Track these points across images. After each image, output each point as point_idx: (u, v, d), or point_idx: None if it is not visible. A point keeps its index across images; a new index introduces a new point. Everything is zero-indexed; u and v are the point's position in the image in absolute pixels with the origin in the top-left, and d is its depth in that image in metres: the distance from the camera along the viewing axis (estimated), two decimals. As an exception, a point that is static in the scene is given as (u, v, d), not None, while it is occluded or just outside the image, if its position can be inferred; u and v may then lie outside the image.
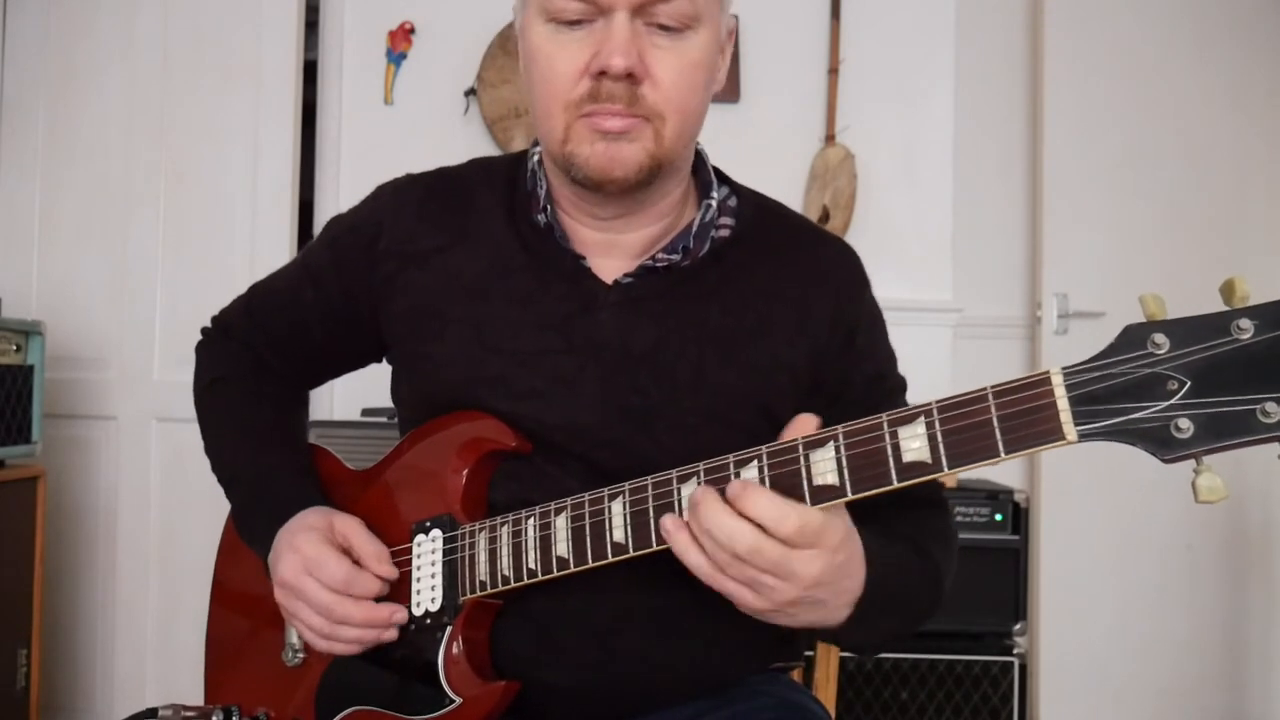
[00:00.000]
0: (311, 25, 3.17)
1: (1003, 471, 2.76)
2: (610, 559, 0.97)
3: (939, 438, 0.81)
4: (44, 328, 2.62)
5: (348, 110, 3.13)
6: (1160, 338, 0.74)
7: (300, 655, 1.17)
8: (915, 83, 3.09)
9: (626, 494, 0.96)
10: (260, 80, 2.99)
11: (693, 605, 1.09)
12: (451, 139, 3.05)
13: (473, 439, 1.10)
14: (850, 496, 0.85)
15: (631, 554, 0.96)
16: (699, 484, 0.92)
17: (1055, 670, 3.04)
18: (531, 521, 1.03)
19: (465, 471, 1.09)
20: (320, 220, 3.09)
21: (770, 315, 1.13)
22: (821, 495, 0.86)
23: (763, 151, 2.98)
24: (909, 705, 2.46)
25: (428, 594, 1.08)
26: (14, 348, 2.52)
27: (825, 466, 0.86)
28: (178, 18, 3.02)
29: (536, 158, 1.15)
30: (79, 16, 3.05)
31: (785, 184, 3.01)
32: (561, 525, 1.00)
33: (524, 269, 1.13)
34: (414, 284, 1.16)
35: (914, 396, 1.18)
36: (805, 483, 0.87)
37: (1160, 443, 0.74)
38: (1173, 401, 0.73)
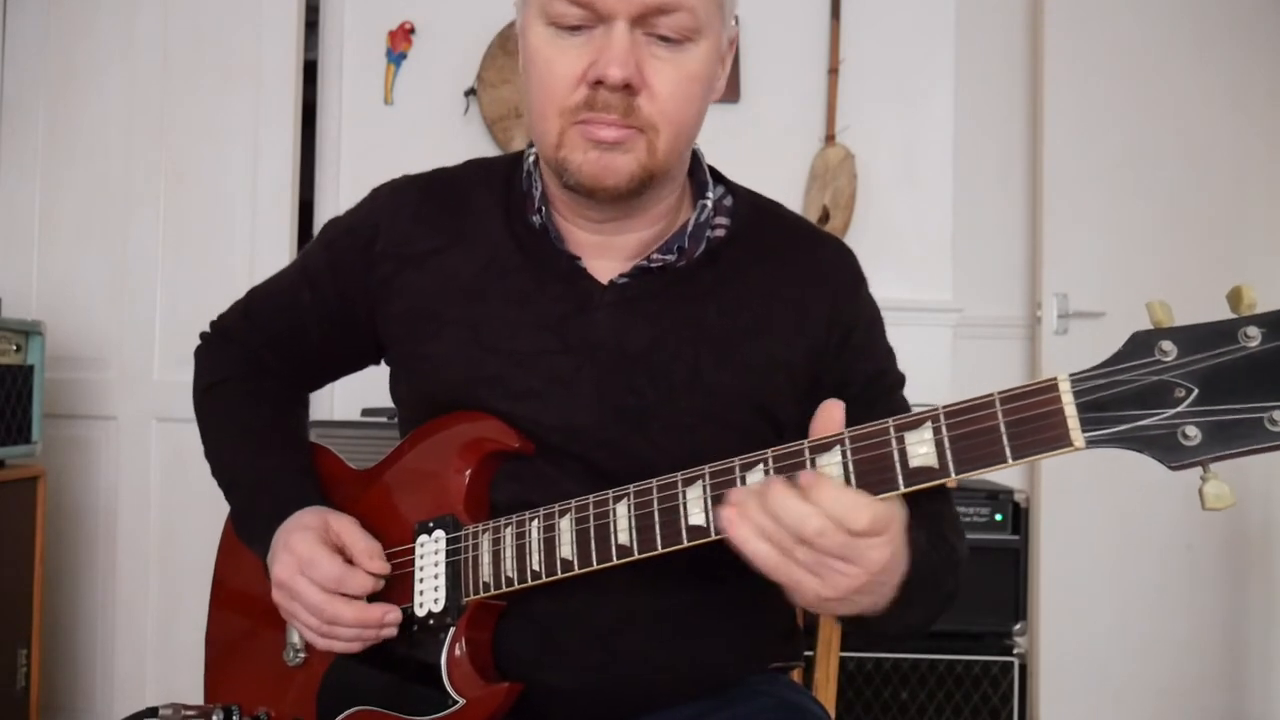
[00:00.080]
0: (311, 25, 3.16)
1: (1003, 472, 2.76)
2: (615, 561, 0.97)
3: (946, 443, 0.81)
4: (44, 328, 2.62)
5: (348, 110, 3.13)
6: (1168, 345, 0.74)
7: (301, 655, 1.17)
8: (915, 83, 3.09)
9: (631, 496, 0.96)
10: (260, 80, 2.99)
11: (694, 606, 1.10)
12: (451, 139, 3.05)
13: (475, 439, 1.10)
14: None
15: (636, 556, 0.96)
16: (705, 487, 0.92)
17: (1055, 670, 3.04)
18: (535, 523, 1.03)
19: (468, 472, 1.09)
20: (320, 220, 3.09)
21: (767, 315, 1.13)
22: None
23: (763, 151, 2.98)
24: (909, 705, 2.46)
25: (430, 595, 1.08)
26: (14, 348, 2.52)
27: (832, 471, 0.85)
28: (178, 18, 3.02)
29: (532, 158, 1.15)
30: (79, 16, 3.05)
31: (785, 184, 3.01)
32: (566, 527, 1.00)
33: (520, 269, 1.13)
34: (411, 285, 1.16)
35: (914, 397, 1.19)
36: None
37: (1168, 450, 0.74)
38: (1180, 409, 0.73)
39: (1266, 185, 3.12)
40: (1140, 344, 0.75)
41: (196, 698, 1.25)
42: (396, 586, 1.11)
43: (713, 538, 0.91)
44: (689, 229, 1.12)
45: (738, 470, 0.90)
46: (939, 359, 3.01)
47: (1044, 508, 3.03)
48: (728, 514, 0.85)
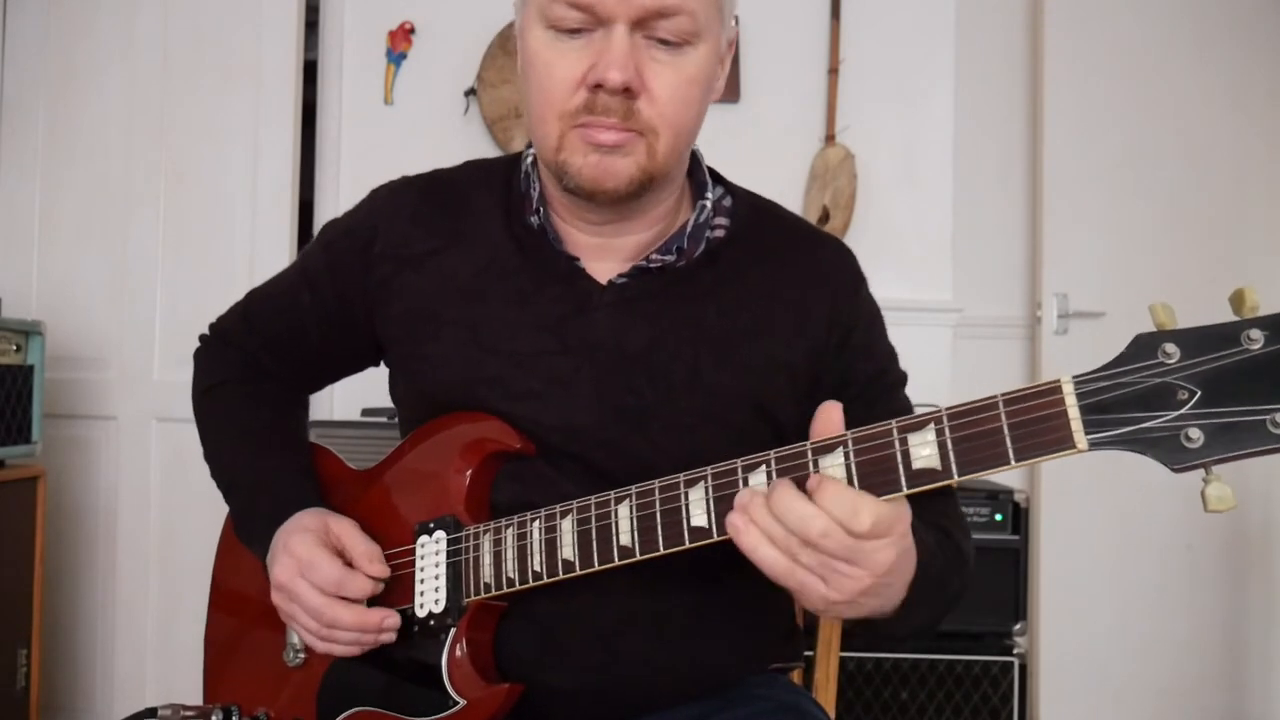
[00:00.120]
0: (311, 25, 3.16)
1: (1004, 471, 2.76)
2: (617, 562, 0.97)
3: (949, 445, 0.81)
4: (44, 328, 2.62)
5: (348, 110, 3.13)
6: (1171, 347, 0.74)
7: (301, 655, 1.17)
8: (915, 83, 3.09)
9: (633, 498, 0.96)
10: (260, 80, 2.99)
11: (695, 608, 1.10)
12: (451, 139, 3.05)
13: (477, 440, 1.10)
14: None
15: (638, 557, 0.96)
16: (707, 488, 0.92)
17: (1055, 670, 3.04)
18: (537, 524, 1.03)
19: (469, 473, 1.09)
20: (320, 220, 3.09)
21: (767, 315, 1.13)
22: None
23: (763, 151, 2.98)
24: (909, 705, 2.46)
25: (431, 595, 1.08)
26: (14, 348, 2.52)
27: (835, 473, 0.85)
28: (178, 18, 3.01)
29: (530, 160, 1.15)
30: (79, 16, 3.04)
31: (785, 184, 3.01)
32: (567, 528, 1.00)
33: (519, 270, 1.14)
34: (409, 287, 1.16)
35: (914, 397, 1.19)
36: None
37: (1170, 452, 0.74)
38: (1183, 411, 0.73)
39: (1266, 185, 3.12)
40: (1143, 346, 0.75)
41: (196, 698, 1.26)
42: (397, 587, 1.11)
43: (715, 539, 0.91)
44: (688, 229, 1.12)
45: (740, 472, 0.90)
46: (939, 359, 3.01)
47: (1044, 508, 3.03)
48: (736, 522, 0.85)
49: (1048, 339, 3.07)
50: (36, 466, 2.60)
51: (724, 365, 1.10)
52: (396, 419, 1.28)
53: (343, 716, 1.12)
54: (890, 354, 1.20)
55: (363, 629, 1.07)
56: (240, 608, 1.27)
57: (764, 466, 0.89)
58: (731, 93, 3.02)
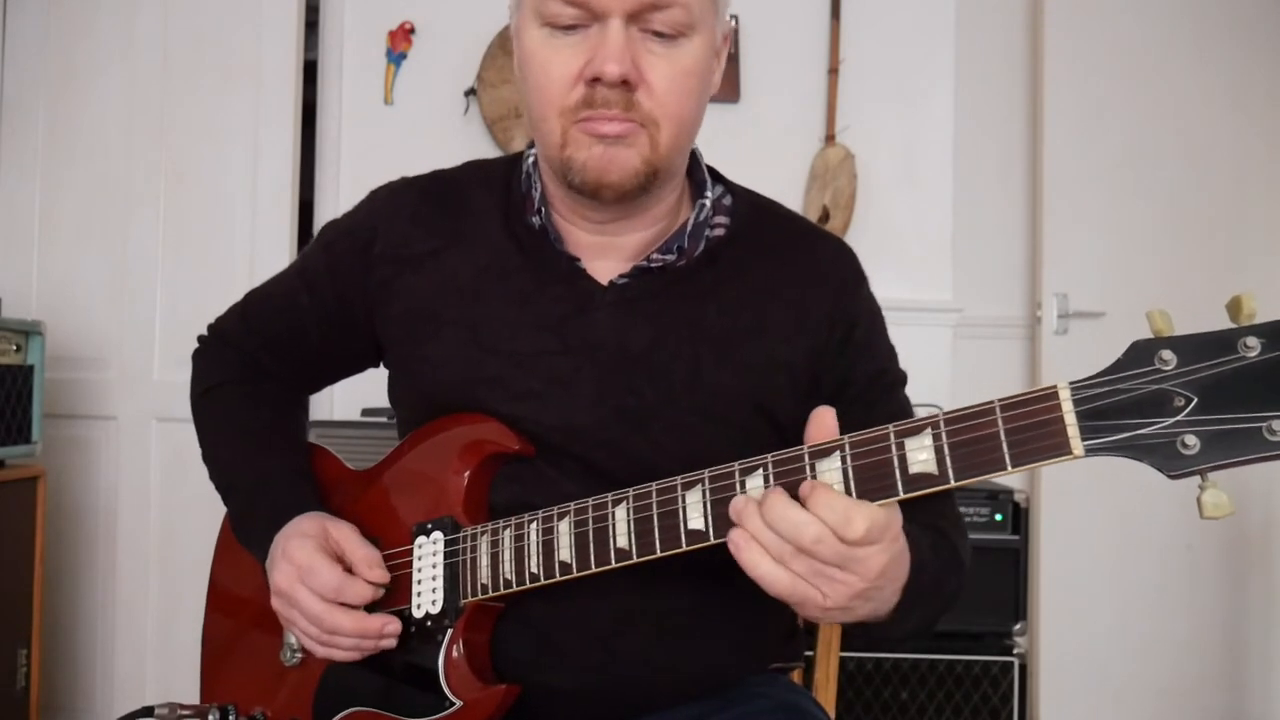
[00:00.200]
0: (311, 25, 3.16)
1: (1003, 472, 2.76)
2: (614, 564, 0.97)
3: (946, 450, 0.81)
4: (44, 328, 2.62)
5: (348, 110, 3.13)
6: (1168, 354, 0.74)
7: (298, 655, 1.16)
8: (915, 83, 3.09)
9: (630, 500, 0.96)
10: (260, 80, 2.99)
11: (694, 608, 1.10)
12: (451, 139, 3.05)
13: (475, 441, 1.10)
14: None
15: (635, 560, 0.96)
16: (704, 492, 0.92)
17: (1055, 670, 3.04)
18: (534, 525, 1.02)
19: (467, 474, 1.09)
20: (320, 220, 3.09)
21: (767, 315, 1.13)
22: None
23: (763, 151, 2.99)
24: (909, 705, 2.46)
25: (428, 596, 1.08)
26: (14, 348, 2.52)
27: (831, 477, 0.85)
28: (178, 18, 3.01)
29: (531, 159, 1.15)
30: (79, 16, 3.04)
31: (785, 184, 3.01)
32: (565, 530, 1.00)
33: (519, 270, 1.14)
34: (409, 287, 1.16)
35: (914, 397, 1.19)
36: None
37: (1167, 459, 0.74)
38: (1179, 418, 0.73)
39: (1266, 185, 3.12)
40: (1140, 353, 0.75)
41: (196, 697, 1.26)
42: (394, 588, 1.10)
43: (712, 542, 0.91)
44: (688, 228, 1.13)
45: (737, 475, 0.90)
46: (939, 359, 3.01)
47: (1044, 508, 3.03)
48: (735, 539, 0.86)
49: (1048, 339, 3.07)
50: (36, 466, 2.60)
51: (724, 365, 1.10)
52: (396, 419, 1.27)
53: (339, 717, 1.12)
54: (891, 353, 1.20)
55: (363, 635, 1.07)
56: (238, 607, 1.26)
57: (761, 470, 0.89)
58: (731, 93, 3.02)
